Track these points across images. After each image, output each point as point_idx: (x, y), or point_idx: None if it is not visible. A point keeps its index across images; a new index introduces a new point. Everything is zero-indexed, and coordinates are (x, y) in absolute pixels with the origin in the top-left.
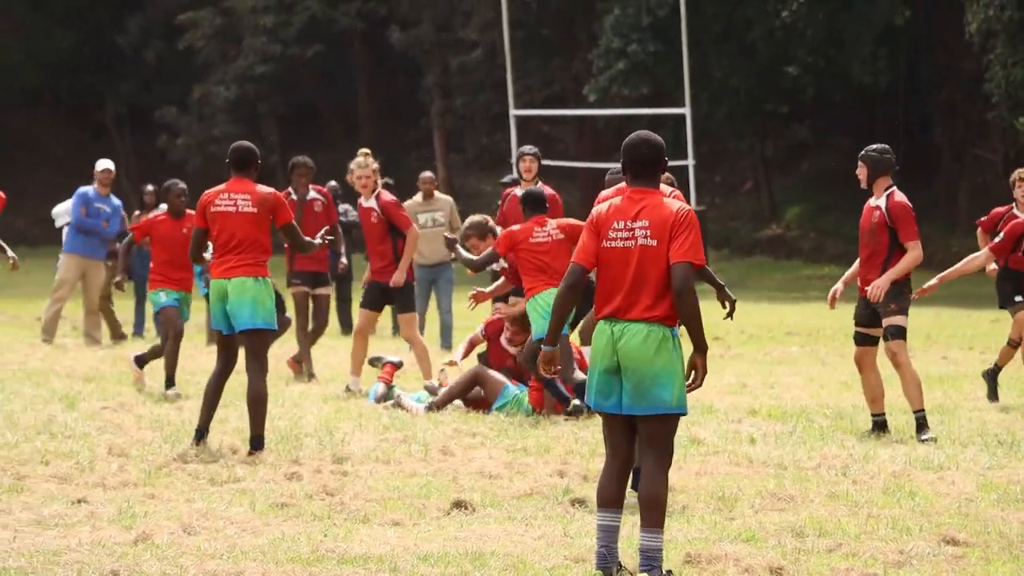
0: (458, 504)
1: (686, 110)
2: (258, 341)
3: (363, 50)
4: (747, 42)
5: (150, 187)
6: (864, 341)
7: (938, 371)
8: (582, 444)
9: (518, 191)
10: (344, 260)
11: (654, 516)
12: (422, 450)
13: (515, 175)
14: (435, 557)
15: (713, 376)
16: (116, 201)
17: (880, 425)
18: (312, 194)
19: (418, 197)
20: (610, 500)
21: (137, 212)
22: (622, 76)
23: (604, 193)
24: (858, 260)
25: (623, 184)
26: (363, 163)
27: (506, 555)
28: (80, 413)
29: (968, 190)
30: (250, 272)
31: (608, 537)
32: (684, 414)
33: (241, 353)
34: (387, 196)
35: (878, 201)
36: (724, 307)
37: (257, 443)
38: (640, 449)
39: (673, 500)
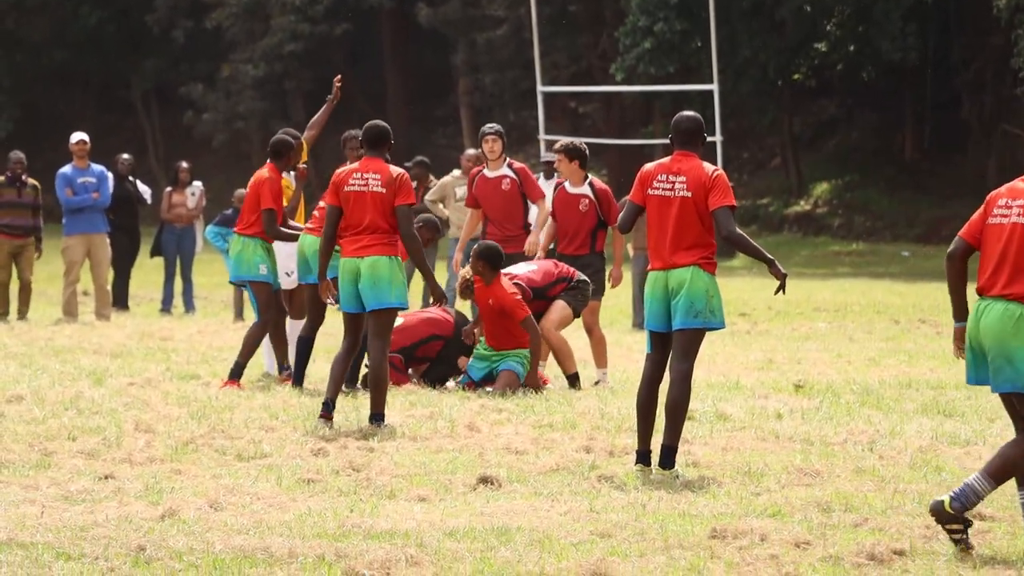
0: (484, 480)
1: (714, 87)
2: (386, 320)
3: (391, 28)
4: (776, 18)
5: (184, 164)
6: None
7: None
8: (608, 420)
9: (487, 172)
10: None
11: None
12: (448, 426)
13: (549, 155)
14: (461, 532)
15: (740, 352)
16: (98, 168)
17: None
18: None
19: (456, 172)
20: None
21: (168, 189)
22: (648, 55)
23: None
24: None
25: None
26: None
27: (532, 530)
28: (107, 389)
29: (997, 166)
30: (384, 251)
31: None
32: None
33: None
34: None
35: None
36: (777, 281)
37: (378, 419)
38: None
39: (699, 475)
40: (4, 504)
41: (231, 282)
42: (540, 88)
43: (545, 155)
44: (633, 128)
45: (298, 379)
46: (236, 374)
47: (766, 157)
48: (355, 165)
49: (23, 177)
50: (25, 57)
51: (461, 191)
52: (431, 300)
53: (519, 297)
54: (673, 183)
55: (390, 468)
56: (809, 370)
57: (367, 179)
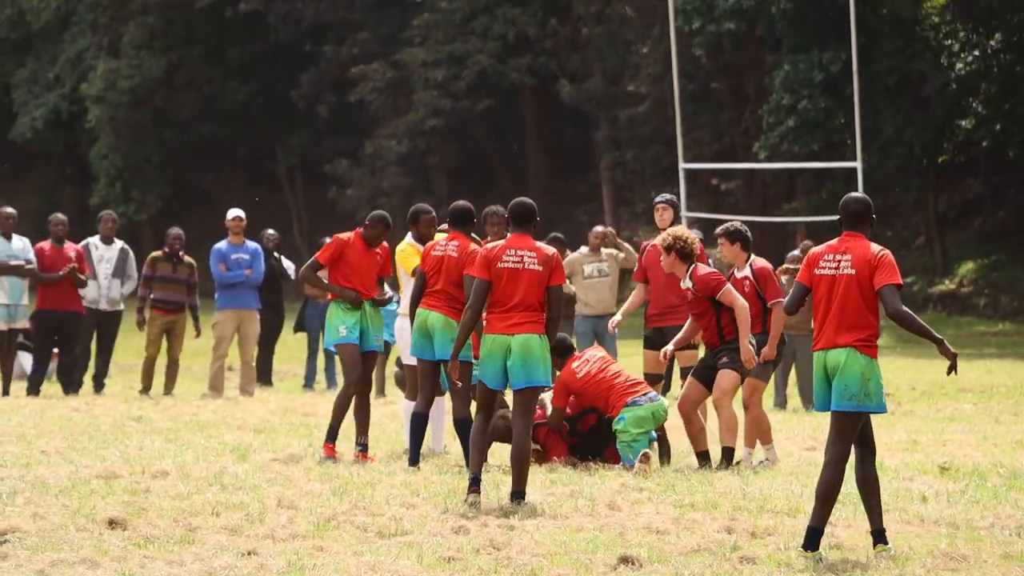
0: (625, 560)
1: (857, 164)
2: (532, 397)
3: (533, 103)
4: (921, 95)
5: (328, 239)
6: None
7: None
8: (750, 500)
9: (655, 241)
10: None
11: None
12: (589, 504)
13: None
14: None
15: (884, 433)
16: (252, 245)
17: None
18: None
19: (584, 249)
20: None
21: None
22: (792, 132)
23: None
24: None
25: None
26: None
27: None
28: (251, 465)
29: None
30: (534, 330)
31: None
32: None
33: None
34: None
35: None
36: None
37: (519, 497)
38: None
39: (842, 558)
40: None
41: (325, 350)
42: (682, 165)
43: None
44: (775, 205)
45: (414, 458)
46: (329, 437)
47: (910, 235)
48: (504, 242)
49: (180, 253)
50: (173, 133)
51: (589, 268)
52: None
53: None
54: (839, 262)
55: (530, 547)
56: (955, 452)
57: (522, 256)
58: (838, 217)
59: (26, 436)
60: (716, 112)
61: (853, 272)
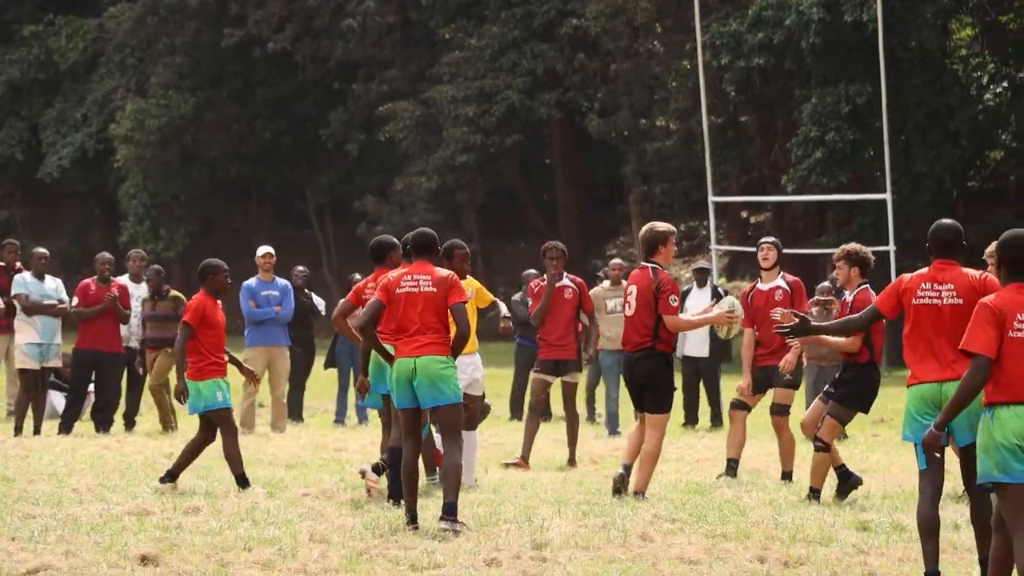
0: None
1: (887, 196)
2: (452, 414)
3: (561, 138)
4: (950, 128)
5: (357, 275)
6: None
7: None
8: (782, 530)
9: (761, 285)
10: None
11: None
12: (621, 536)
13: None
14: None
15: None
16: (282, 282)
17: None
18: (564, 280)
19: (606, 283)
20: None
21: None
22: (820, 164)
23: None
24: None
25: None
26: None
27: None
28: (282, 500)
29: None
30: (437, 351)
31: None
32: None
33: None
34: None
35: None
36: None
37: (451, 510)
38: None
39: None
40: None
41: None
42: (711, 198)
43: (699, 263)
44: (805, 238)
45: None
46: (376, 470)
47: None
48: (404, 270)
49: (163, 289)
50: (202, 172)
51: (611, 303)
52: None
53: None
54: (940, 291)
55: None
56: None
57: (418, 280)
58: (928, 245)
59: (58, 474)
60: (745, 145)
61: (960, 302)
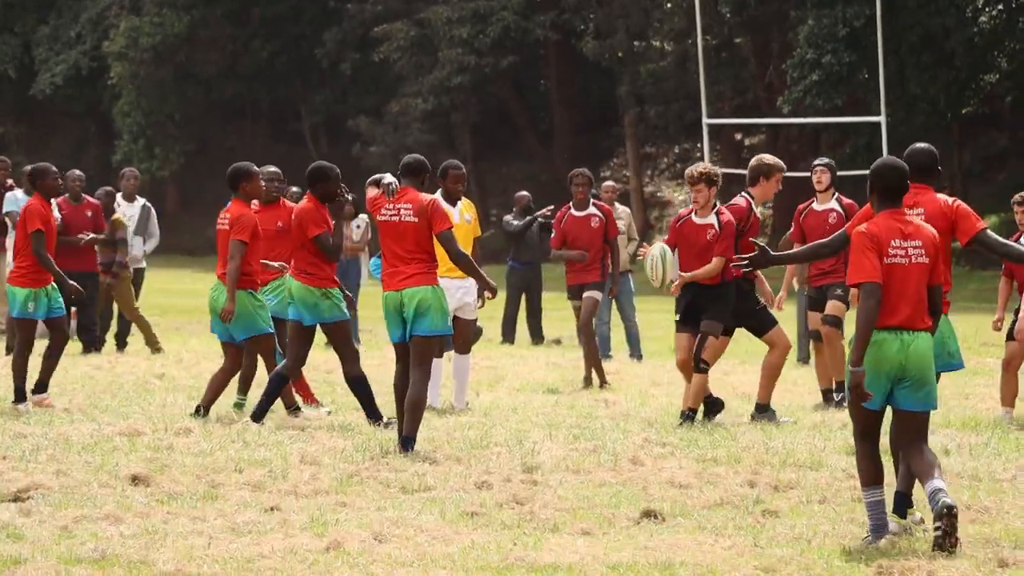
0: (648, 513)
1: (881, 119)
2: (426, 346)
3: (556, 60)
4: (945, 50)
5: (350, 196)
6: None
7: None
8: (772, 454)
9: (816, 206)
10: None
11: None
12: (611, 460)
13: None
14: (624, 566)
15: None
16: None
17: None
18: (591, 208)
19: None
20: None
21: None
22: (816, 87)
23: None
24: None
25: None
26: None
27: (696, 565)
28: (273, 422)
29: None
30: (424, 281)
31: None
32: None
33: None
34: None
35: None
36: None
37: (409, 443)
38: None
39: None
40: (172, 535)
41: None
42: (705, 120)
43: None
44: (800, 160)
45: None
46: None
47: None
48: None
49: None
50: (197, 91)
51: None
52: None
53: None
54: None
55: (553, 502)
56: (977, 405)
57: (399, 209)
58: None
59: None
60: (740, 67)
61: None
